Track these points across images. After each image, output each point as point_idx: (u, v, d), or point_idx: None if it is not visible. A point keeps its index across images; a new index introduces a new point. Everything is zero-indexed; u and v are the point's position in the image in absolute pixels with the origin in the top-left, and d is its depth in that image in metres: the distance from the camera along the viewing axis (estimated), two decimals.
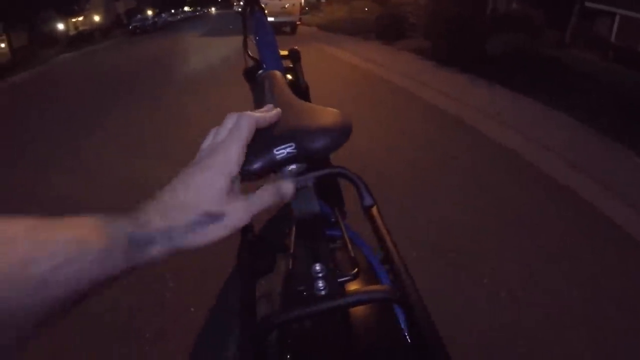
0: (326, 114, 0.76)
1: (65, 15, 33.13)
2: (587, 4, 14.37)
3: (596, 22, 15.58)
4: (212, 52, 14.33)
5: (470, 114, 5.71)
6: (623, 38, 15.36)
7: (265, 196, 0.55)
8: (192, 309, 2.31)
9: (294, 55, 2.00)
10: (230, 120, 0.56)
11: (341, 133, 0.72)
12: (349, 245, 0.83)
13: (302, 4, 18.89)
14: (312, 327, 0.78)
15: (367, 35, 14.62)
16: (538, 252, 2.71)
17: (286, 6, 17.59)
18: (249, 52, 2.21)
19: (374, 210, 0.75)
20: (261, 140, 0.62)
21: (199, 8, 62.68)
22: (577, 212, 3.23)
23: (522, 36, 9.38)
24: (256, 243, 0.88)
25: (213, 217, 0.49)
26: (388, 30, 13.25)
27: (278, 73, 1.11)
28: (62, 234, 0.39)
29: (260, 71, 1.56)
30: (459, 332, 2.00)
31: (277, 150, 0.64)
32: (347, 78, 8.49)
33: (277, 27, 17.49)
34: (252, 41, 2.11)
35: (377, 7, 18.37)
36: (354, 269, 0.71)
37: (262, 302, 0.95)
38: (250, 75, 2.33)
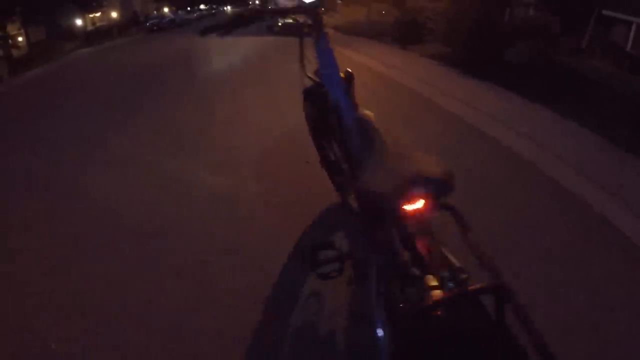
0: (431, 163, 1.15)
1: (83, 10, 33.52)
2: (605, 12, 14.36)
3: (612, 31, 15.57)
4: (232, 51, 14.49)
5: (486, 121, 5.80)
6: (638, 47, 15.36)
7: None
8: None
9: (348, 77, 2.23)
10: None
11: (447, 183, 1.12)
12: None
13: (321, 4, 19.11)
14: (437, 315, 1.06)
15: (384, 39, 14.65)
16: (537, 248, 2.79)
17: None
18: (308, 74, 2.45)
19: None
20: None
21: (214, 6, 62.77)
22: (584, 219, 3.21)
23: (539, 43, 9.49)
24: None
25: None
26: (406, 34, 13.35)
27: (370, 116, 1.41)
28: None
29: (355, 113, 1.74)
30: None
31: None
32: (365, 82, 8.21)
33: (292, 29, 17.71)
34: (309, 62, 2.34)
35: (395, 10, 18.35)
36: (464, 274, 1.12)
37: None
38: (309, 94, 2.58)
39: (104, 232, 3.36)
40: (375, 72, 9.44)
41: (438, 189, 1.13)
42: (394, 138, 1.37)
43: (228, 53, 14.25)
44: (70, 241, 3.29)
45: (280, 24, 18.72)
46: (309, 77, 2.50)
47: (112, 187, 4.33)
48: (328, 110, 2.07)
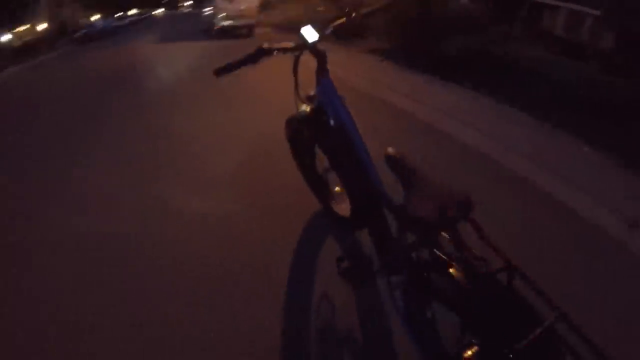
0: (455, 188, 1.55)
1: (9, 25, 31.95)
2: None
3: (542, 17, 16.21)
4: (175, 61, 13.55)
5: (427, 112, 6.00)
6: (568, 31, 16.07)
7: None
8: None
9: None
10: None
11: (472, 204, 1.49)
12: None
13: (258, 5, 18.75)
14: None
15: (323, 36, 14.70)
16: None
17: (242, 8, 17.44)
18: (300, 95, 2.63)
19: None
20: None
21: (144, 11, 61.04)
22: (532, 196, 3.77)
23: (474, 34, 9.72)
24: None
25: None
26: (345, 31, 13.38)
27: (404, 154, 1.75)
28: None
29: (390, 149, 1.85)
30: None
31: None
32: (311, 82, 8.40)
33: (233, 31, 17.36)
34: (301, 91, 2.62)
35: (331, 6, 18.41)
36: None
37: None
38: (300, 121, 2.66)
39: None
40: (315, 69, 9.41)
41: (467, 209, 1.49)
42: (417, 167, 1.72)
43: (171, 63, 13.55)
44: None
45: (217, 27, 18.01)
46: (304, 101, 2.63)
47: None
48: (330, 134, 2.35)
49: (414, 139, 5.08)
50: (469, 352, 1.50)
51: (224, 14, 17.34)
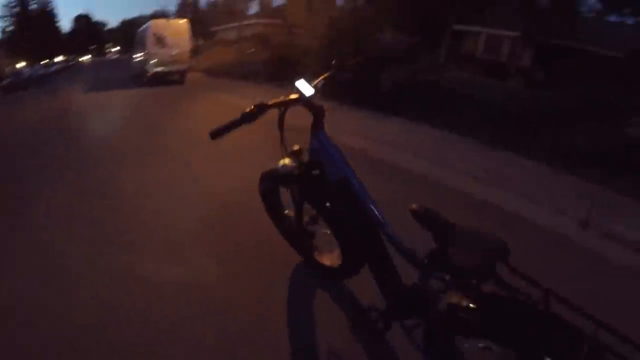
0: (491, 238, 1.72)
1: None
2: (456, 27, 15.74)
3: (464, 43, 17.17)
4: (110, 112, 11.96)
5: (372, 145, 6.36)
6: (489, 53, 17.10)
7: None
8: None
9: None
10: None
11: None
12: None
13: (190, 50, 18.43)
14: None
15: (258, 79, 14.75)
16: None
17: (174, 54, 17.10)
18: (286, 148, 2.53)
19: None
20: None
21: (72, 57, 59.21)
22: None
23: (406, 66, 10.18)
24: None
25: None
26: (280, 72, 13.59)
27: (428, 207, 1.84)
28: None
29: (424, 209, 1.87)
30: None
31: None
32: (258, 127, 8.27)
33: (165, 77, 17.06)
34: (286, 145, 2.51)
35: (262, 48, 18.56)
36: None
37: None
38: (285, 177, 2.63)
39: None
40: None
41: (506, 255, 1.63)
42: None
43: (106, 113, 11.79)
44: None
45: (150, 74, 17.14)
46: (288, 157, 2.56)
47: None
48: (328, 189, 2.32)
49: (373, 175, 5.21)
50: None
51: (156, 60, 16.90)
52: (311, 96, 2.27)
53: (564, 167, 6.04)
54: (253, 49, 20.07)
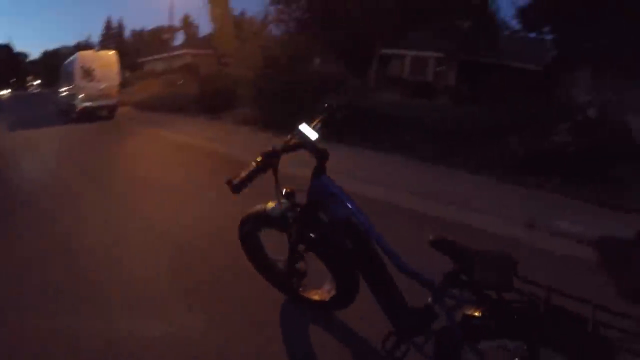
0: (501, 255, 1.97)
1: None
2: (384, 51, 16.25)
3: (391, 65, 17.77)
4: (42, 152, 10.38)
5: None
6: (415, 74, 17.79)
7: None
8: None
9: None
10: None
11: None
12: None
13: (119, 83, 17.50)
14: None
15: (192, 111, 14.44)
16: None
17: (102, 87, 16.18)
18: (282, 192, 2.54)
19: None
20: None
21: None
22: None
23: (340, 93, 10.41)
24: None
25: None
26: (213, 104, 13.47)
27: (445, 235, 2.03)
28: None
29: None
30: None
31: None
32: (198, 161, 8.16)
33: (93, 113, 16.06)
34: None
35: (192, 79, 18.23)
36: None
37: None
38: (274, 219, 2.62)
39: None
40: (200, 149, 9.19)
41: (516, 267, 1.88)
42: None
43: (35, 155, 9.97)
44: None
45: (79, 109, 15.95)
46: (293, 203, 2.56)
47: None
48: (332, 225, 2.41)
49: None
50: None
51: (84, 94, 15.98)
52: (316, 140, 2.33)
53: (501, 176, 6.70)
54: (182, 81, 19.60)
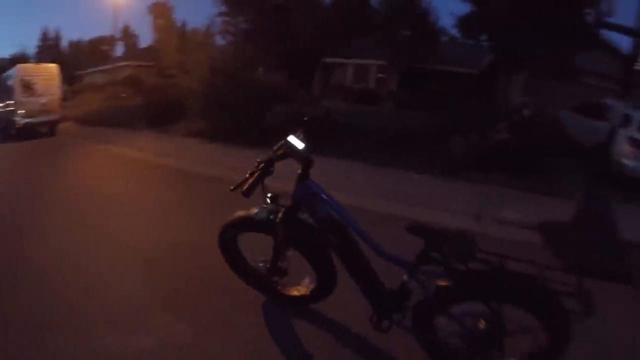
0: (463, 230, 2.47)
1: None
2: (327, 60, 16.58)
3: (334, 74, 18.15)
4: None
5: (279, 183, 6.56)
6: (357, 82, 18.21)
7: None
8: None
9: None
10: None
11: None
12: None
13: (60, 97, 16.50)
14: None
15: (137, 125, 14.09)
16: None
17: (44, 102, 15.30)
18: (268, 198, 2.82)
19: None
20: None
21: None
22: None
23: (287, 102, 10.55)
24: None
25: None
26: (158, 117, 13.25)
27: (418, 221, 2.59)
28: None
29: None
30: None
31: None
32: (147, 177, 8.02)
33: (34, 129, 15.23)
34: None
35: (135, 92, 17.67)
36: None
37: None
38: (256, 222, 2.79)
39: None
40: (150, 163, 9.03)
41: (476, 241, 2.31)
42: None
43: None
44: None
45: (19, 125, 14.79)
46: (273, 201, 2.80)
47: None
48: (319, 223, 2.70)
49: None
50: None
51: (24, 110, 15.13)
52: (303, 149, 2.63)
53: (447, 175, 7.38)
54: (125, 94, 18.98)
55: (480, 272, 2.33)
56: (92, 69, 35.58)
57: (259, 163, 2.61)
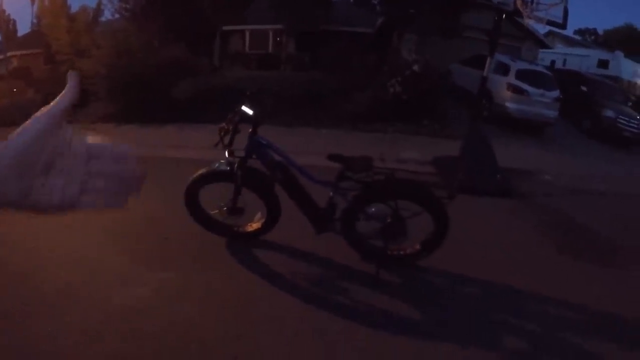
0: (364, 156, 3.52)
1: None
2: (224, 28, 16.57)
3: (232, 42, 18.24)
4: None
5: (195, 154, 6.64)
6: (255, 47, 18.43)
7: None
8: None
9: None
10: None
11: None
12: None
13: None
14: None
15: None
16: None
17: None
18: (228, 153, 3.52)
19: None
20: None
21: None
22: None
23: (189, 75, 10.76)
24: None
25: None
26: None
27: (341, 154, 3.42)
28: None
29: None
30: None
31: None
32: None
33: None
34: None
35: (26, 85, 16.44)
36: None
37: None
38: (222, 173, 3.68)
39: None
40: None
41: (371, 160, 3.38)
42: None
43: None
44: None
45: None
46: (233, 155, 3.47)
47: None
48: (267, 165, 3.51)
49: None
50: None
51: None
52: (253, 113, 3.47)
53: (351, 128, 8.50)
54: (15, 89, 17.16)
55: (379, 181, 3.32)
56: None
57: (229, 119, 3.41)
